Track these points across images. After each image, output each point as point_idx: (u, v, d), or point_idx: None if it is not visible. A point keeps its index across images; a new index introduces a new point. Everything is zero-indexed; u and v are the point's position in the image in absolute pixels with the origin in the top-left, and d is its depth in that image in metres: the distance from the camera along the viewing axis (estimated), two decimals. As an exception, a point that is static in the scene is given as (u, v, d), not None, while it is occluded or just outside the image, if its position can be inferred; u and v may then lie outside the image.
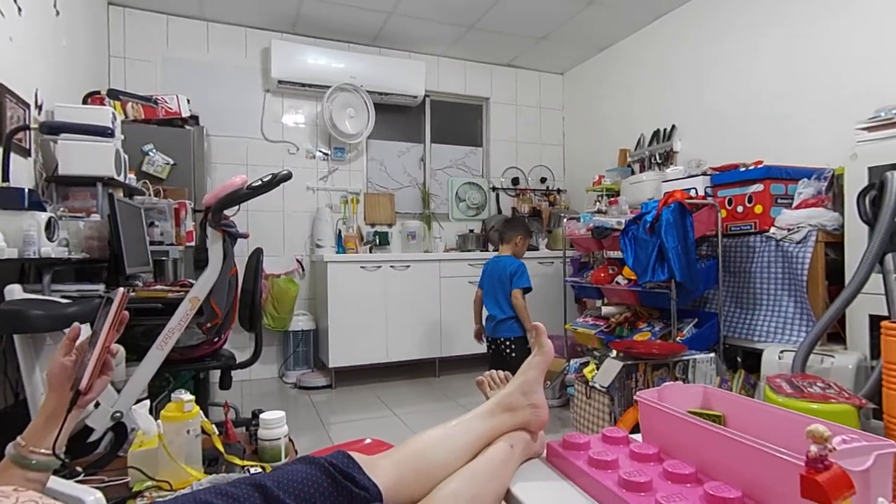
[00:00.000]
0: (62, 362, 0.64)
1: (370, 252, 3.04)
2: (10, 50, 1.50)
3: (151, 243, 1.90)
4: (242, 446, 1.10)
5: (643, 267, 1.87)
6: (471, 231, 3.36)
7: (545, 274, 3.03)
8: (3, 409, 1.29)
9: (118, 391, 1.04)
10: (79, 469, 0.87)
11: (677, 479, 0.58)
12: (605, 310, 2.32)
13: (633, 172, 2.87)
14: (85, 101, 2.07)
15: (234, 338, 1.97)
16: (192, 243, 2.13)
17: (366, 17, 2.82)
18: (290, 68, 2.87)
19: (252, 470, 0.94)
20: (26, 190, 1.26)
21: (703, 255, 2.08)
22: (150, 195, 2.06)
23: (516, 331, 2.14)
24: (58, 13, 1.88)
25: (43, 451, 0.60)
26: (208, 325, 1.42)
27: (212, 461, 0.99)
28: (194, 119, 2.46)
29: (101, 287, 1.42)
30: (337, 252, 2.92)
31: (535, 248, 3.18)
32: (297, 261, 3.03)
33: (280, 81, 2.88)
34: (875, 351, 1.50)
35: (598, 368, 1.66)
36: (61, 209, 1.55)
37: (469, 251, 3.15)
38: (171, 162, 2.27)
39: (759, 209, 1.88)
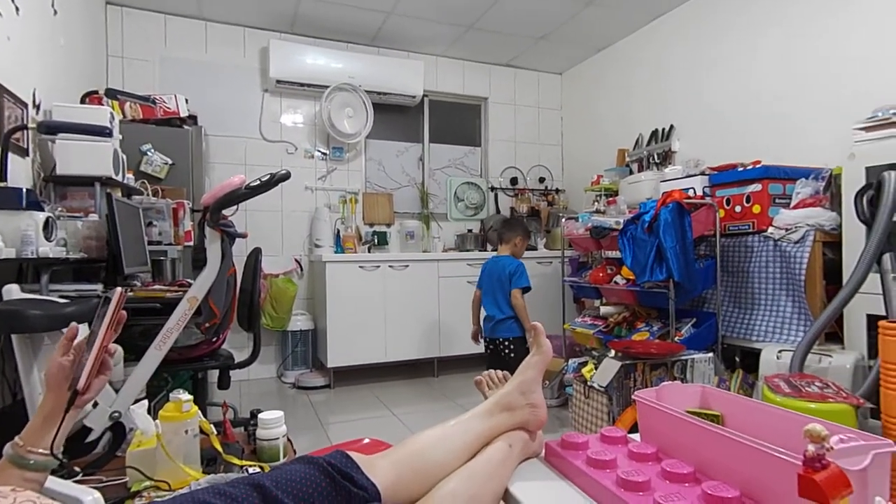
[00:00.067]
0: (60, 362, 0.64)
1: (369, 252, 3.04)
2: (8, 49, 1.50)
3: (150, 243, 1.89)
4: (241, 446, 1.10)
5: (641, 267, 1.87)
6: (469, 231, 3.36)
7: (544, 274, 3.03)
8: (1, 409, 1.29)
9: (116, 391, 1.04)
10: (77, 469, 0.86)
11: (675, 478, 0.59)
12: (604, 309, 2.32)
13: (631, 172, 2.87)
14: (83, 101, 2.06)
15: (232, 337, 1.96)
16: (191, 243, 2.13)
17: (364, 16, 2.81)
18: (288, 68, 2.86)
19: (250, 470, 0.94)
20: (24, 190, 1.25)
21: (701, 254, 2.08)
22: (148, 195, 2.05)
23: (515, 331, 2.14)
24: (55, 12, 1.87)
25: (41, 450, 0.60)
26: (207, 324, 1.41)
27: (210, 461, 0.99)
28: (192, 119, 2.45)
29: (99, 287, 1.41)
30: (335, 252, 2.92)
31: (534, 248, 3.18)
32: (296, 260, 3.03)
33: (278, 81, 2.88)
34: (872, 350, 1.50)
35: (596, 368, 1.66)
36: (59, 209, 1.54)
37: (468, 251, 3.15)
38: (170, 162, 2.27)
39: (757, 209, 1.88)
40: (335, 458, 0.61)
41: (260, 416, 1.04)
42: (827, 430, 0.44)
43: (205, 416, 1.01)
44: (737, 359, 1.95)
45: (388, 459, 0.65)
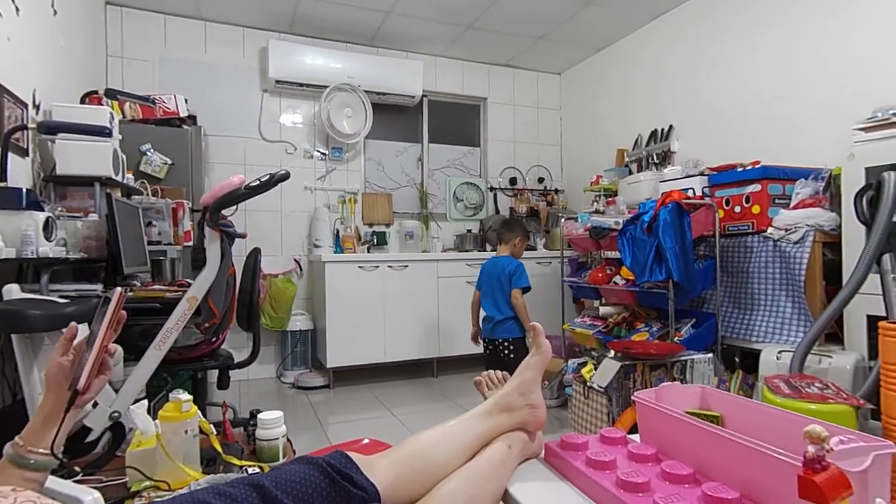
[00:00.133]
0: (60, 362, 0.64)
1: (368, 252, 3.04)
2: (8, 50, 1.49)
3: (149, 243, 1.89)
4: (240, 446, 1.10)
5: (641, 267, 1.87)
6: (468, 231, 3.36)
7: (543, 274, 3.03)
8: (1, 409, 1.29)
9: (116, 391, 1.04)
10: (77, 469, 0.86)
11: (675, 479, 0.59)
12: (603, 310, 2.32)
13: (630, 172, 2.87)
14: (83, 101, 2.06)
15: (231, 337, 1.96)
16: (190, 243, 2.13)
17: (363, 16, 2.81)
18: (287, 68, 2.86)
19: (250, 470, 0.94)
20: (24, 190, 1.25)
21: (700, 255, 2.08)
22: (147, 195, 2.05)
23: (515, 331, 2.14)
24: (55, 13, 1.87)
25: (41, 450, 0.60)
26: (206, 324, 1.41)
27: (210, 461, 0.99)
28: (192, 119, 2.45)
29: (98, 287, 1.41)
30: (335, 252, 2.92)
31: (533, 248, 3.18)
32: (295, 260, 3.02)
33: (278, 81, 2.87)
34: (873, 351, 1.50)
35: (595, 369, 1.66)
36: (59, 209, 1.54)
37: (467, 251, 3.15)
38: (169, 162, 2.27)
39: (756, 209, 1.88)
40: (335, 458, 0.61)
41: (259, 416, 1.04)
42: (827, 432, 0.44)
43: (204, 416, 1.01)
44: (736, 359, 1.95)
45: (388, 460, 0.65)
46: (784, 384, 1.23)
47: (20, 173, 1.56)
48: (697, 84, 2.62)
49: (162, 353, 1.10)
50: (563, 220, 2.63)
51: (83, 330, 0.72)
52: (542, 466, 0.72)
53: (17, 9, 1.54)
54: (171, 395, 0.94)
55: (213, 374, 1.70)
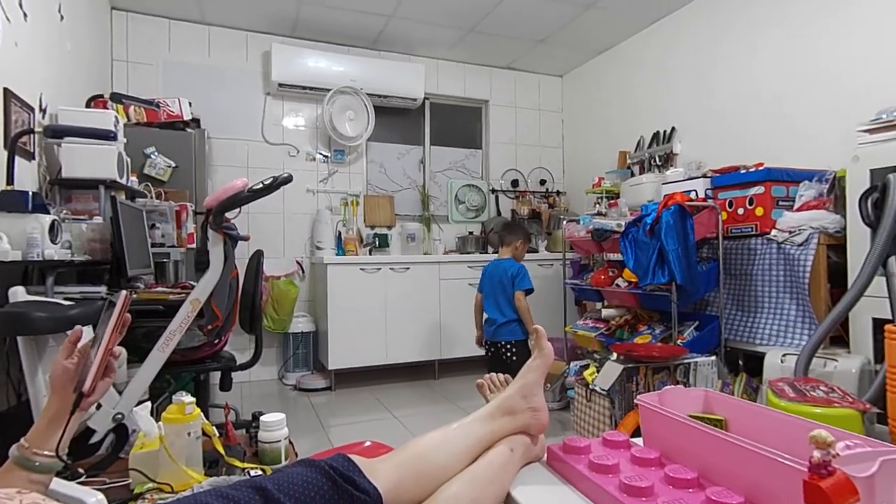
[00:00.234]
0: (64, 365, 0.64)
1: (370, 254, 3.05)
2: (16, 55, 1.51)
3: (153, 245, 1.90)
4: (243, 448, 1.10)
5: (643, 269, 1.86)
6: (470, 233, 3.36)
7: (545, 276, 3.03)
8: (6, 410, 1.29)
9: (119, 393, 1.04)
10: (80, 470, 0.87)
11: (679, 484, 0.58)
12: (606, 312, 2.32)
13: (632, 174, 2.87)
14: (88, 105, 2.08)
15: (234, 339, 1.97)
16: (193, 245, 2.14)
17: (365, 20, 2.83)
18: (290, 71, 2.88)
19: (252, 472, 0.94)
20: (30, 193, 1.26)
21: (703, 257, 2.08)
22: (151, 197, 2.07)
23: (517, 334, 2.13)
24: (62, 18, 1.89)
25: (46, 452, 0.60)
26: (209, 327, 1.42)
27: (212, 463, 0.99)
28: (195, 122, 2.47)
29: (103, 289, 1.42)
30: (337, 254, 2.92)
31: (535, 251, 3.17)
32: (297, 263, 3.03)
33: (280, 84, 2.89)
34: (879, 354, 1.49)
35: (598, 371, 1.65)
36: (64, 212, 1.55)
37: (468, 253, 3.15)
38: (173, 164, 2.28)
39: (759, 211, 1.88)
40: (337, 461, 0.61)
41: (262, 418, 1.04)
42: (833, 437, 0.44)
43: (206, 417, 1.01)
44: (740, 362, 1.94)
45: (390, 463, 0.65)
46: (789, 387, 1.22)
47: (26, 176, 1.57)
48: (699, 86, 2.62)
49: (165, 356, 1.10)
50: (564, 222, 2.63)
51: (87, 332, 0.72)
52: (545, 470, 0.71)
53: (25, 14, 1.56)
54: (174, 397, 0.94)
55: (216, 376, 1.70)
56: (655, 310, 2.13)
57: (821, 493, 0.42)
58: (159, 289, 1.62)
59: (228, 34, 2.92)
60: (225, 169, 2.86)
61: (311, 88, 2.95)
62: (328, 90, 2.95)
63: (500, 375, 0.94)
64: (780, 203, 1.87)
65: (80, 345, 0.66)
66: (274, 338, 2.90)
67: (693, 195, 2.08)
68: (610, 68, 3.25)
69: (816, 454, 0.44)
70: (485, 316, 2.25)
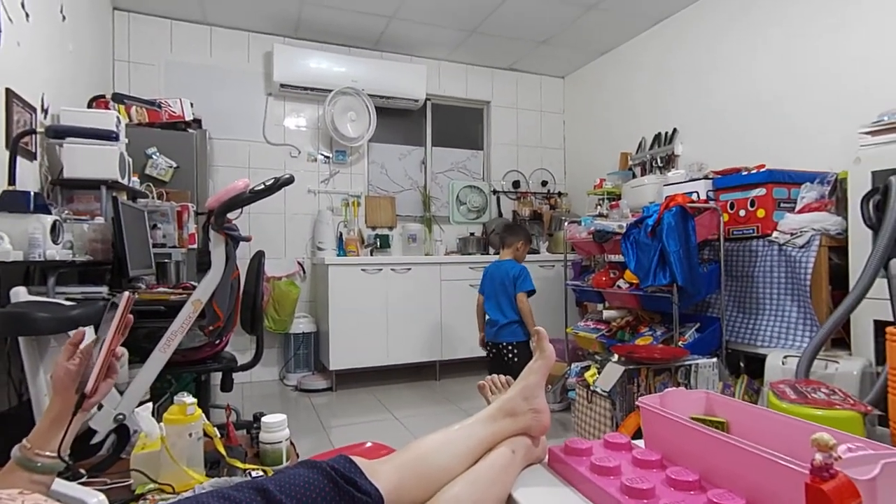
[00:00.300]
0: (66, 366, 0.65)
1: (371, 255, 3.05)
2: (18, 55, 1.52)
3: (154, 246, 1.91)
4: (244, 449, 1.10)
5: (645, 271, 1.86)
6: (471, 234, 3.36)
7: (546, 277, 3.03)
8: (7, 411, 1.30)
9: (121, 393, 1.04)
10: (82, 471, 0.87)
11: (680, 486, 0.58)
12: (607, 313, 2.31)
13: (634, 176, 2.87)
14: (90, 105, 2.09)
15: (235, 340, 1.97)
16: (195, 246, 2.14)
17: (367, 21, 2.83)
18: (292, 72, 2.88)
19: (254, 473, 0.94)
20: (32, 193, 1.27)
21: (705, 259, 2.07)
22: (153, 198, 2.07)
23: (519, 335, 2.13)
24: (64, 18, 1.89)
25: (48, 453, 0.60)
26: (211, 327, 1.42)
27: (214, 464, 0.99)
28: (197, 122, 2.47)
29: (104, 289, 1.42)
30: (338, 255, 2.92)
31: (536, 252, 3.17)
32: (299, 263, 3.03)
33: (282, 85, 2.90)
34: (880, 357, 1.49)
35: (599, 373, 1.65)
36: (66, 212, 1.56)
37: (470, 254, 3.15)
38: (174, 165, 2.29)
39: (761, 213, 1.88)
40: (338, 462, 0.61)
41: (263, 419, 1.04)
42: (835, 440, 0.44)
43: (207, 418, 1.01)
44: (741, 364, 1.93)
45: (392, 464, 0.65)
46: (790, 389, 1.22)
47: (28, 177, 1.58)
48: (701, 87, 2.62)
49: (167, 356, 1.10)
50: (566, 223, 2.63)
51: (89, 333, 0.72)
52: (546, 472, 0.71)
53: (28, 15, 1.56)
54: (175, 397, 0.94)
55: (217, 377, 1.70)
56: (657, 311, 2.13)
57: (823, 495, 0.42)
58: (161, 289, 1.62)
59: (230, 35, 2.92)
60: (226, 169, 2.87)
61: (312, 89, 2.96)
62: (330, 91, 2.95)
63: (502, 377, 0.94)
64: (782, 205, 1.87)
65: (82, 346, 0.67)
66: (275, 338, 2.90)
67: (694, 197, 2.08)
68: (611, 69, 3.25)
69: (818, 457, 0.44)
70: (486, 317, 2.25)
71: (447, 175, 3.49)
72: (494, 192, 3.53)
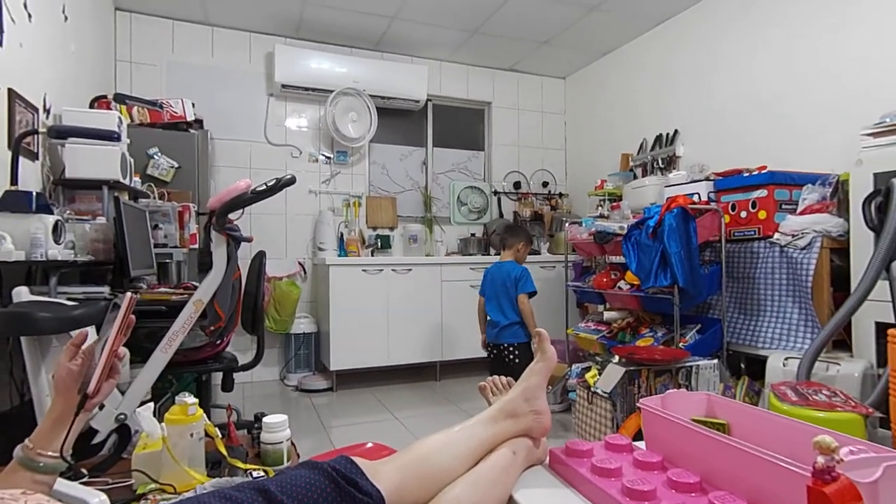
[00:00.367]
0: (68, 367, 0.65)
1: (372, 255, 3.05)
2: (20, 55, 1.52)
3: (155, 246, 1.91)
4: (245, 449, 1.10)
5: (646, 272, 1.86)
6: (472, 235, 3.36)
7: (547, 278, 3.03)
8: (9, 410, 1.30)
9: (122, 393, 1.04)
10: (83, 471, 0.87)
11: (682, 488, 0.58)
12: (608, 315, 2.31)
13: (635, 177, 2.87)
14: (92, 106, 2.09)
15: (235, 340, 1.97)
16: (196, 246, 2.14)
17: (369, 21, 2.84)
18: (293, 73, 2.89)
19: (255, 474, 0.94)
20: (34, 193, 1.27)
21: (706, 260, 2.07)
22: (154, 198, 2.07)
23: (520, 336, 2.13)
24: (66, 19, 1.90)
25: (50, 453, 0.60)
26: (212, 328, 1.42)
27: (215, 464, 0.99)
28: (199, 123, 2.48)
29: (106, 289, 1.42)
30: (339, 255, 2.93)
31: (537, 253, 3.17)
32: (299, 263, 3.04)
33: (283, 86, 2.90)
34: (881, 359, 1.49)
35: (600, 374, 1.65)
36: (68, 212, 1.56)
37: (470, 255, 3.15)
38: (176, 165, 2.29)
39: (763, 215, 1.87)
40: (340, 463, 0.61)
41: (264, 419, 1.04)
42: (837, 442, 0.44)
43: (208, 418, 1.01)
44: (742, 366, 1.93)
45: (393, 465, 0.65)
46: (791, 391, 1.22)
47: (30, 177, 1.58)
48: (702, 88, 2.62)
49: (168, 356, 1.10)
50: (567, 224, 2.63)
51: (91, 334, 0.73)
52: (547, 473, 0.71)
53: (30, 15, 1.57)
54: (177, 398, 0.94)
55: (217, 377, 1.71)
56: (657, 312, 2.13)
57: (825, 498, 0.42)
58: (162, 289, 1.62)
59: (232, 35, 2.93)
60: (227, 170, 2.87)
61: (313, 89, 2.96)
62: (331, 91, 2.95)
63: (503, 378, 0.94)
64: (783, 206, 1.87)
65: (84, 346, 0.67)
66: (276, 339, 2.91)
67: (696, 198, 2.07)
68: (613, 70, 3.25)
69: (820, 460, 0.44)
70: (487, 318, 2.25)
71: (448, 176, 3.49)
72: (495, 192, 3.53)
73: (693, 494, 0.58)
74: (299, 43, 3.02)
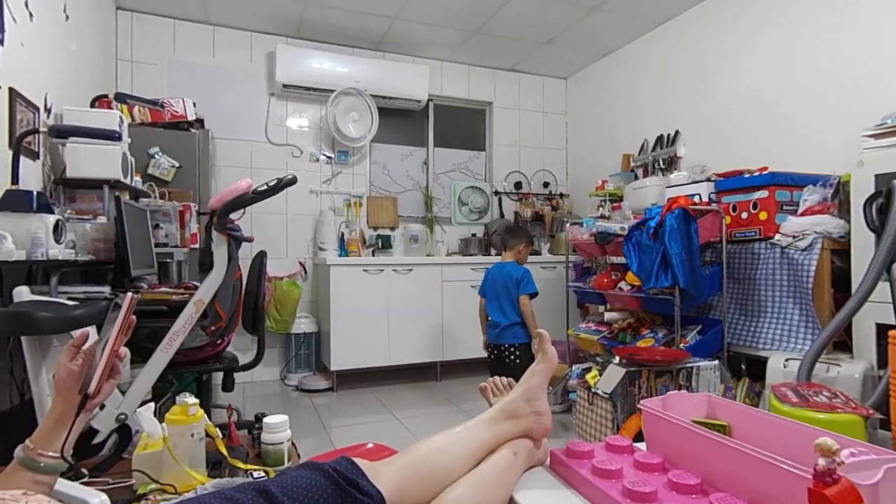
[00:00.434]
0: (69, 367, 0.65)
1: (372, 255, 3.05)
2: (22, 55, 1.52)
3: (156, 245, 1.91)
4: (245, 450, 1.10)
5: (647, 273, 1.86)
6: (473, 235, 3.36)
7: (548, 279, 3.03)
8: (10, 410, 1.30)
9: (123, 393, 1.04)
10: (84, 471, 0.87)
11: (682, 489, 0.58)
12: (608, 315, 2.31)
13: (636, 177, 2.87)
14: (93, 105, 2.09)
15: (236, 340, 1.97)
16: (197, 245, 2.14)
17: (370, 21, 2.84)
18: (294, 72, 2.89)
19: (255, 474, 0.94)
20: (35, 192, 1.27)
21: (707, 261, 2.07)
22: (155, 197, 2.07)
23: (521, 337, 2.13)
24: (67, 18, 1.90)
25: (51, 453, 0.60)
26: (212, 328, 1.42)
27: (215, 464, 0.99)
28: (200, 122, 2.48)
29: (106, 289, 1.42)
30: (339, 255, 2.93)
31: (538, 253, 3.17)
32: (300, 263, 3.04)
33: (285, 85, 2.90)
34: (882, 360, 1.49)
35: (600, 374, 1.65)
36: (68, 211, 1.56)
37: (471, 255, 3.15)
38: (177, 165, 2.29)
39: (763, 216, 1.87)
40: (340, 464, 0.61)
41: (265, 420, 1.04)
42: (837, 444, 0.44)
43: (209, 418, 1.01)
44: (743, 367, 1.93)
45: (394, 466, 0.65)
46: (792, 393, 1.22)
47: (31, 176, 1.58)
48: (703, 89, 2.62)
49: (169, 356, 1.10)
50: (568, 224, 2.63)
51: (92, 334, 0.73)
52: (548, 474, 0.71)
53: (31, 14, 1.57)
54: (177, 398, 0.94)
55: (218, 377, 1.71)
56: (658, 313, 2.12)
57: (826, 500, 0.42)
58: (163, 289, 1.62)
59: (233, 35, 2.93)
60: (228, 169, 2.87)
61: (315, 89, 2.96)
62: (332, 91, 2.95)
63: (504, 379, 0.94)
64: (784, 207, 1.87)
65: (85, 346, 0.67)
66: (276, 338, 2.91)
67: (697, 199, 2.07)
68: (614, 71, 3.25)
69: (821, 462, 0.44)
70: (488, 319, 2.25)
71: (449, 176, 3.49)
72: (496, 192, 3.53)
73: (694, 496, 0.57)
74: (301, 43, 3.02)
